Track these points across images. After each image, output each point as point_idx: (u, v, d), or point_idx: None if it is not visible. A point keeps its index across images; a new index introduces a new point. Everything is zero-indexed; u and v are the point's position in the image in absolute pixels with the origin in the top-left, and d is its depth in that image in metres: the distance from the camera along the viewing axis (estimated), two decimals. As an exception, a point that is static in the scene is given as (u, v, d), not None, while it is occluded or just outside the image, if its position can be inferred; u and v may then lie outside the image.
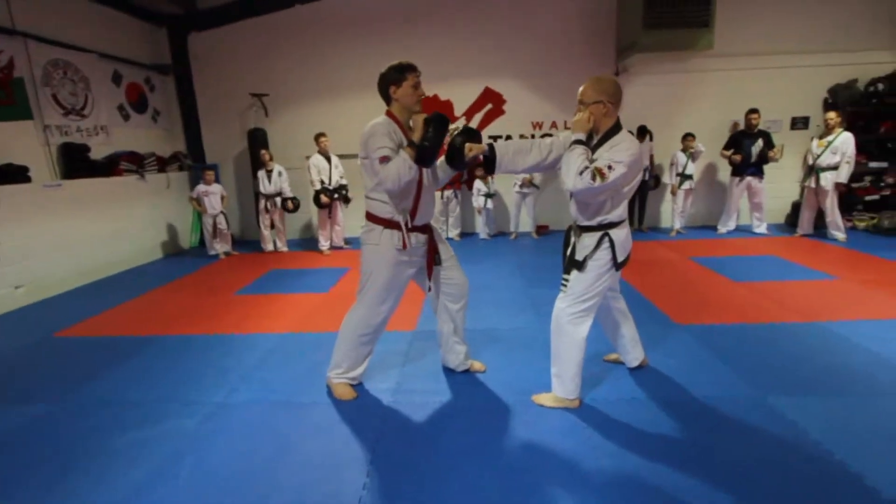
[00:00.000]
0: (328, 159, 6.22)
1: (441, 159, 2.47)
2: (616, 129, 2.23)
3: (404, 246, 2.37)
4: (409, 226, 2.39)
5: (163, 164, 6.74)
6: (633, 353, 2.75)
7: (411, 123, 2.34)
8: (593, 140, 2.27)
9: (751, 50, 6.70)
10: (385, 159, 2.20)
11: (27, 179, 4.76)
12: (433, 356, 3.04)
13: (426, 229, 2.48)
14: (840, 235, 5.84)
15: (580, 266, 2.30)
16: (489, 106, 7.19)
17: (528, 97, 7.14)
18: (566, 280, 2.36)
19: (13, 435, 2.44)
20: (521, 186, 6.71)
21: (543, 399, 2.48)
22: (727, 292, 4.15)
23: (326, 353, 3.09)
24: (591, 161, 2.15)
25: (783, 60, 6.74)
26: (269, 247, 6.63)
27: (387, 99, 2.38)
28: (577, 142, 2.18)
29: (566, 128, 7.21)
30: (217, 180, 6.65)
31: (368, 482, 1.96)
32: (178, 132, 7.37)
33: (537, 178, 6.72)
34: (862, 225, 6.40)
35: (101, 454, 2.24)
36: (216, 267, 6.00)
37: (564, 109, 7.05)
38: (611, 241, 2.27)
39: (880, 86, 6.43)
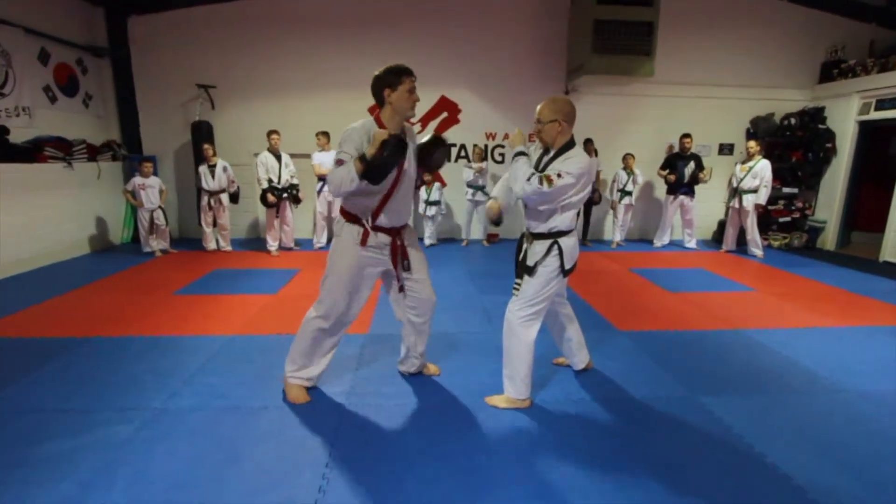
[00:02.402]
0: (278, 158, 6.04)
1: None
2: (570, 145, 2.39)
3: (363, 243, 2.37)
4: (370, 224, 2.38)
5: (94, 153, 6.24)
6: (579, 357, 2.91)
7: (371, 138, 2.23)
8: (549, 153, 2.41)
9: (686, 80, 7.30)
10: (339, 163, 2.22)
11: (-69, 161, 4.26)
12: (387, 359, 3.04)
13: (393, 232, 2.44)
14: (758, 252, 6.46)
15: (531, 271, 2.42)
16: (445, 114, 7.29)
17: (483, 108, 7.33)
18: (518, 284, 2.48)
19: (-86, 445, 2.16)
20: (473, 195, 6.84)
21: (496, 401, 2.56)
22: (662, 301, 4.47)
23: (276, 356, 3.02)
24: (539, 171, 2.36)
25: (714, 91, 7.40)
26: (212, 246, 6.31)
27: (380, 101, 2.33)
28: (520, 153, 2.37)
29: (518, 140, 7.47)
30: (155, 173, 6.26)
31: (324, 485, 1.94)
32: (113, 120, 6.87)
33: (489, 186, 6.89)
34: (776, 243, 7.11)
35: (20, 466, 2.04)
36: (152, 265, 5.63)
37: (518, 121, 7.29)
38: (560, 249, 2.40)
39: (792, 120, 7.21)
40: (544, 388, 2.75)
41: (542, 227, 2.43)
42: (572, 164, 2.29)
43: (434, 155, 2.49)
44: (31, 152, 5.30)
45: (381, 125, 2.30)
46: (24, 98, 5.40)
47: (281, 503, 1.84)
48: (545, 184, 2.24)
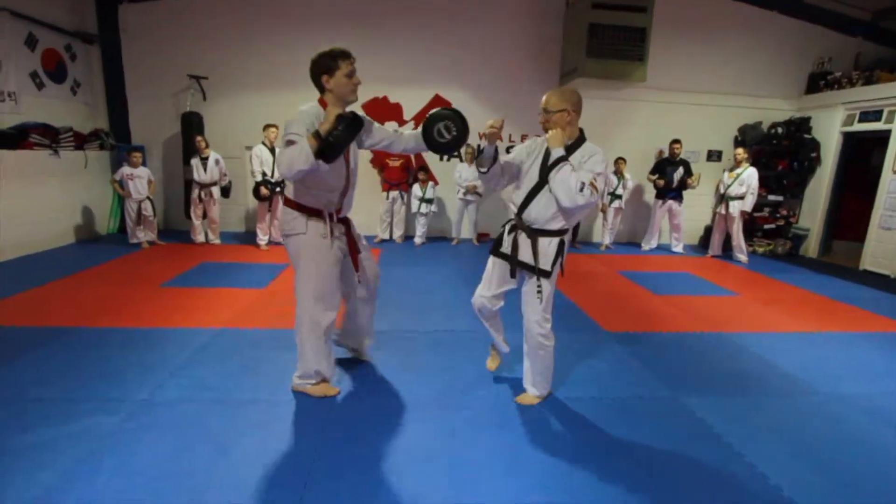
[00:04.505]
0: (272, 151, 6.00)
1: (417, 132, 2.38)
2: (582, 139, 2.36)
3: (331, 234, 2.38)
4: (335, 218, 2.42)
5: (81, 142, 6.14)
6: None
7: (322, 115, 2.19)
8: (557, 150, 2.30)
9: (677, 86, 7.39)
10: (290, 143, 2.12)
11: (-88, 145, 4.16)
12: (377, 355, 3.05)
13: (345, 221, 2.51)
14: (743, 258, 6.57)
15: (548, 274, 2.36)
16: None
17: (476, 108, 7.32)
18: (540, 289, 2.38)
19: None
20: (464, 194, 6.86)
21: (528, 399, 2.61)
22: (649, 304, 4.54)
23: (264, 350, 3.02)
24: (549, 168, 2.27)
25: (703, 98, 7.51)
26: (200, 238, 6.25)
27: (319, 88, 2.26)
28: (563, 159, 2.24)
29: (510, 140, 7.53)
30: (143, 163, 6.17)
31: (309, 481, 1.94)
32: (101, 108, 6.76)
33: (480, 186, 6.91)
34: (761, 250, 7.25)
35: (2, 454, 2.01)
36: (138, 256, 5.56)
37: (510, 121, 7.33)
38: (563, 245, 2.39)
39: (779, 129, 7.35)
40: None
41: (554, 224, 2.33)
42: (598, 164, 2.24)
43: (436, 129, 2.27)
44: (16, 139, 5.20)
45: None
46: (10, 83, 5.30)
47: (267, 495, 1.84)
48: (594, 192, 2.16)
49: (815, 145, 7.18)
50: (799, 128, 7.26)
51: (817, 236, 7.29)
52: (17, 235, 5.19)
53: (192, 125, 6.42)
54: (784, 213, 7.42)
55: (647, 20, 5.96)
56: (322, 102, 2.28)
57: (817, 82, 7.40)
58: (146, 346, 3.13)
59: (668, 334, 3.74)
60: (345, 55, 2.22)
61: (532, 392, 2.61)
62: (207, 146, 6.07)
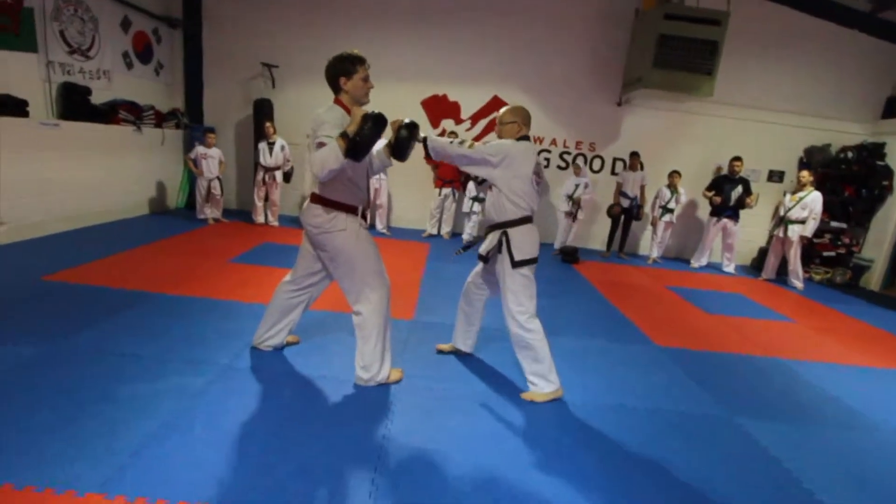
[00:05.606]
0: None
1: (380, 148, 2.57)
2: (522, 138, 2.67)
3: (364, 225, 2.55)
4: (365, 213, 2.58)
5: (160, 120, 6.58)
6: (473, 339, 3.08)
7: (350, 115, 2.31)
8: None
9: (742, 102, 7.19)
10: (321, 145, 2.23)
11: (25, 114, 4.59)
12: (430, 345, 3.19)
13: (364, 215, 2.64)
14: (798, 284, 6.36)
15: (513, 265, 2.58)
16: (495, 114, 7.36)
17: (533, 112, 7.30)
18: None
19: (7, 375, 2.39)
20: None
21: (534, 397, 2.68)
22: (699, 321, 4.49)
23: (330, 330, 3.22)
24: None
25: (769, 116, 7.27)
26: (261, 219, 6.59)
27: (335, 89, 2.40)
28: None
29: (565, 145, 7.53)
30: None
31: (380, 465, 2.09)
32: (179, 89, 7.20)
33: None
34: (818, 277, 6.98)
35: (104, 401, 2.24)
36: (206, 231, 5.92)
37: (566, 127, 7.35)
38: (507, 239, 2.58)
39: (850, 153, 7.04)
40: (585, 391, 2.85)
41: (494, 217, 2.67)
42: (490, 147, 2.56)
43: (407, 143, 2.48)
44: (108, 114, 5.64)
45: (346, 110, 2.36)
46: (106, 62, 5.74)
47: (342, 463, 2.01)
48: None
49: (888, 173, 6.84)
50: (871, 153, 6.93)
51: (882, 268, 6.95)
52: (101, 204, 5.64)
53: (263, 111, 6.75)
54: (846, 241, 7.10)
55: (721, 34, 5.83)
56: (338, 102, 2.40)
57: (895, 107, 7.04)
58: (221, 317, 3.38)
59: (721, 354, 3.72)
60: (361, 60, 2.38)
61: (532, 389, 2.67)
62: (275, 132, 6.38)
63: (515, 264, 2.55)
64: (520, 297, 2.58)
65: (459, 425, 2.38)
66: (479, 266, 2.84)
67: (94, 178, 5.47)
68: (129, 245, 4.85)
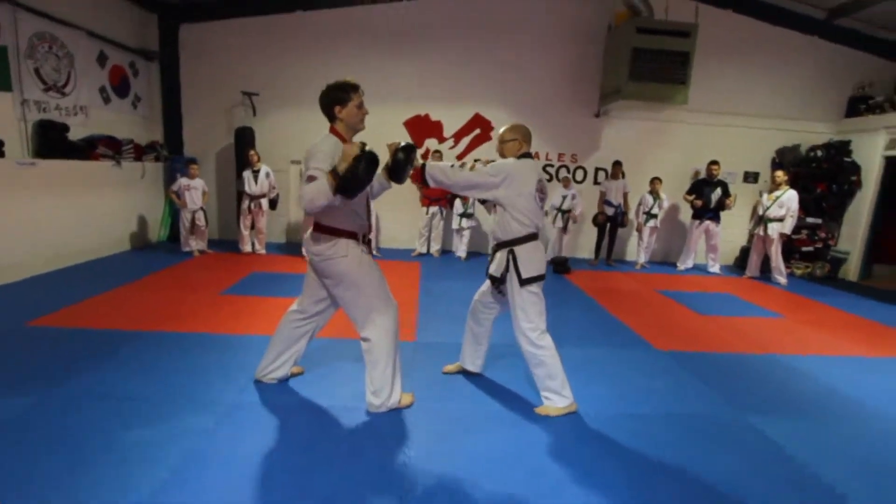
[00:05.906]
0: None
1: (378, 172, 2.53)
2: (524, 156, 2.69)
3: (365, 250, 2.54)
4: (365, 239, 2.57)
5: (140, 153, 6.46)
6: (481, 360, 3.06)
7: (341, 153, 2.26)
8: None
9: (716, 108, 7.46)
10: (311, 179, 2.20)
11: (0, 154, 4.46)
12: (437, 366, 3.16)
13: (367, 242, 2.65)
14: (782, 280, 6.54)
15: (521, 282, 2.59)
16: (477, 131, 7.48)
17: (515, 126, 7.49)
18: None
19: (5, 427, 2.27)
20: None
21: (548, 411, 2.66)
22: (694, 323, 4.57)
23: (333, 357, 3.15)
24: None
25: (742, 121, 7.56)
26: (248, 248, 6.48)
27: (330, 117, 2.40)
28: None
29: (547, 158, 7.67)
30: (197, 175, 6.45)
31: (404, 495, 2.04)
32: (157, 121, 7.10)
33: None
34: (799, 272, 7.20)
35: (108, 450, 2.14)
36: (192, 264, 5.79)
37: (547, 140, 7.49)
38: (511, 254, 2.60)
39: (819, 152, 7.35)
40: (596, 401, 2.85)
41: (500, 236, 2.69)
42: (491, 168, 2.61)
43: (403, 166, 2.47)
44: (86, 150, 5.51)
45: (342, 140, 2.36)
46: (83, 98, 5.63)
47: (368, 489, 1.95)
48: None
49: (855, 168, 7.15)
50: (839, 151, 7.24)
51: (857, 259, 7.21)
52: (82, 242, 5.47)
53: (244, 139, 6.70)
54: (823, 235, 7.36)
55: (691, 45, 6.08)
56: (333, 131, 2.40)
57: (857, 106, 7.40)
58: (219, 350, 3.29)
59: (719, 354, 3.78)
60: (355, 87, 2.37)
61: (546, 403, 2.67)
62: (259, 159, 6.33)
63: (523, 282, 2.55)
64: (529, 313, 2.58)
65: (479, 446, 2.35)
66: (486, 284, 2.83)
67: (73, 215, 5.31)
68: (115, 283, 4.70)
